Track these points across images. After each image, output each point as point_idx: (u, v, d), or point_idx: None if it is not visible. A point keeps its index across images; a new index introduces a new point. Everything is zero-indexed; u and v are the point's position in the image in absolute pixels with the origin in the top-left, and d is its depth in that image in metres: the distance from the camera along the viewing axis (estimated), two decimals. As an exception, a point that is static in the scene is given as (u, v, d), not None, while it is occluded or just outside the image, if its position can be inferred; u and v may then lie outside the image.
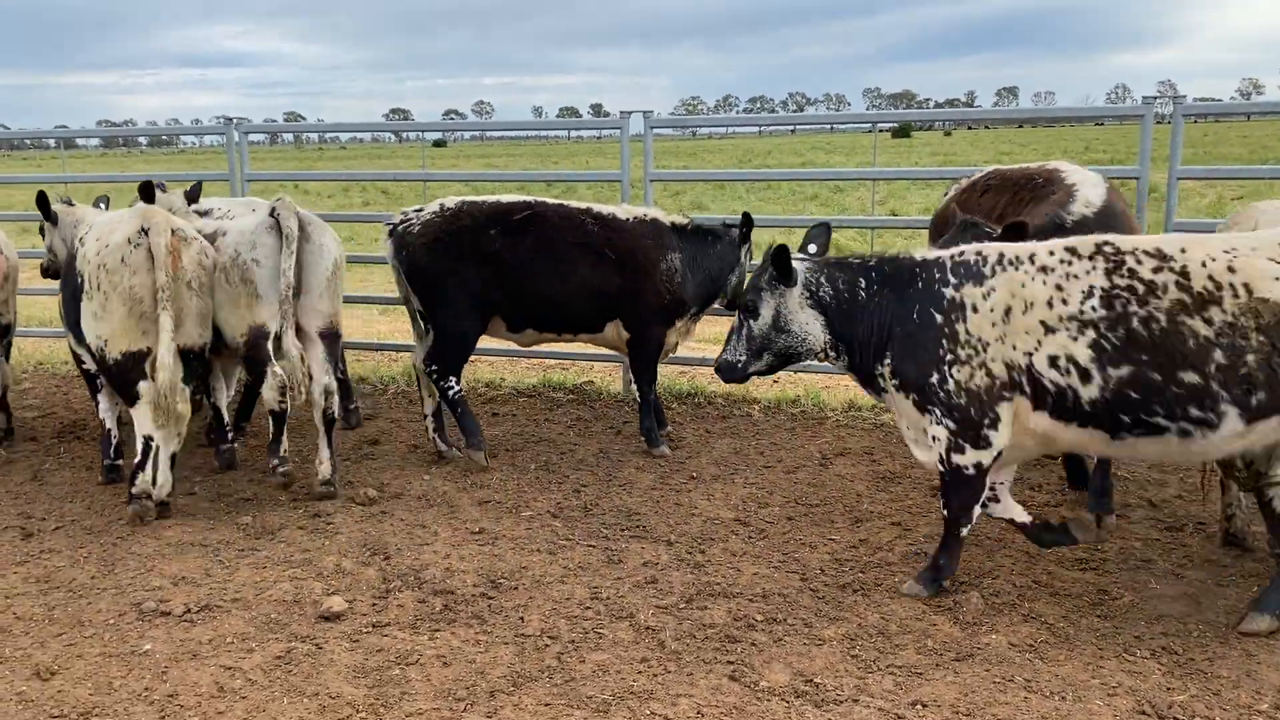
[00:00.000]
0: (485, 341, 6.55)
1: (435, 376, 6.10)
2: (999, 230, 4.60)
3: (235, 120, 7.97)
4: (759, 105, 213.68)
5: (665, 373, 7.94)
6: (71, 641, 4.15)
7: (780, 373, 7.88)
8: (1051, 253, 4.05)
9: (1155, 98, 6.14)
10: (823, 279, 4.43)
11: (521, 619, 4.24)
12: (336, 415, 5.71)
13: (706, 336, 9.88)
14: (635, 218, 6.20)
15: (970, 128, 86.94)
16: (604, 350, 6.86)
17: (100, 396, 6.03)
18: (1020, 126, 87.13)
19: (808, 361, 4.64)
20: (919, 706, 3.56)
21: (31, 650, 4.08)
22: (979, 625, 4.10)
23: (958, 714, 3.50)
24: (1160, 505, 5.34)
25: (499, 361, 8.79)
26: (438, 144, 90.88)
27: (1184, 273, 3.80)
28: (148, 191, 5.89)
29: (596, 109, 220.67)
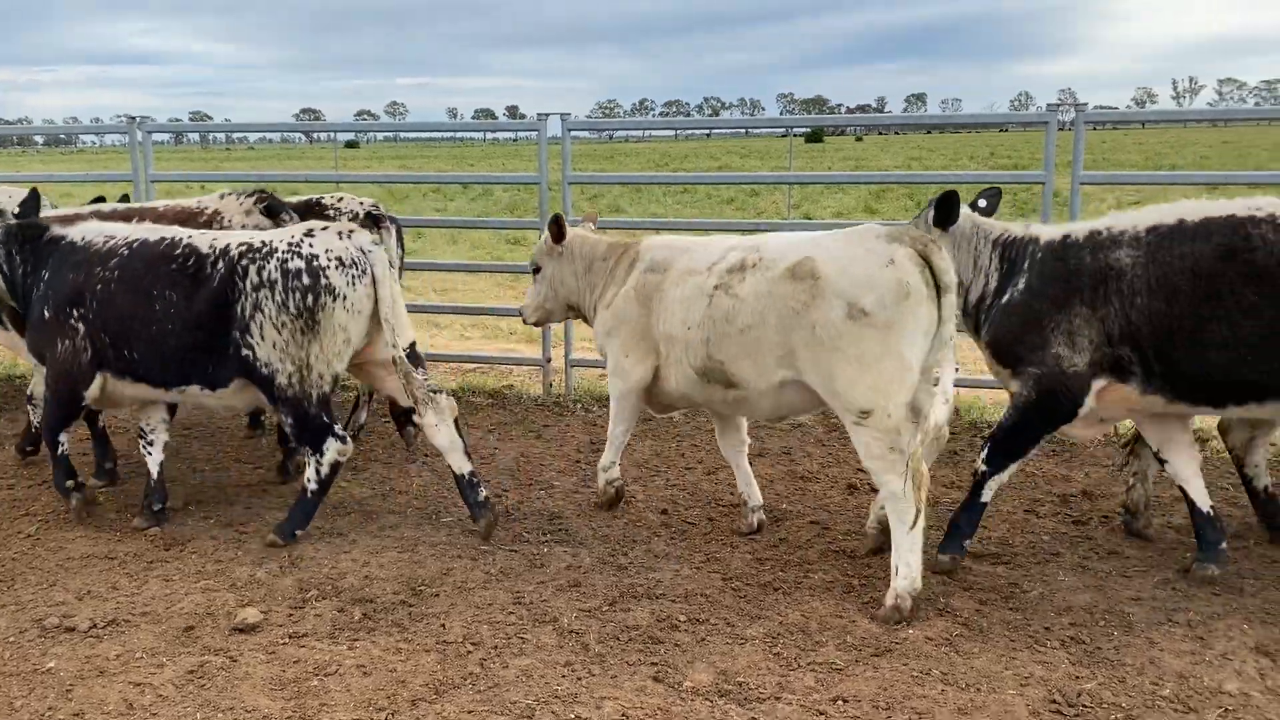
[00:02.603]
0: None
1: None
2: None
3: (138, 119, 7.72)
4: (675, 109, 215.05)
5: (587, 375, 7.95)
6: (-32, 662, 3.97)
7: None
8: None
9: (1059, 105, 6.36)
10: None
11: (443, 626, 4.19)
12: None
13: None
14: None
15: (881, 133, 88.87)
16: (526, 354, 6.84)
17: None
18: (929, 132, 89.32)
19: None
20: (840, 702, 3.62)
21: (-76, 672, 3.90)
22: (897, 622, 4.18)
23: (877, 708, 3.57)
24: (1068, 500, 5.52)
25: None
26: (350, 145, 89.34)
27: None
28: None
29: (512, 111, 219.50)
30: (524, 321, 5.84)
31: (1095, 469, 6.00)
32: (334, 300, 4.82)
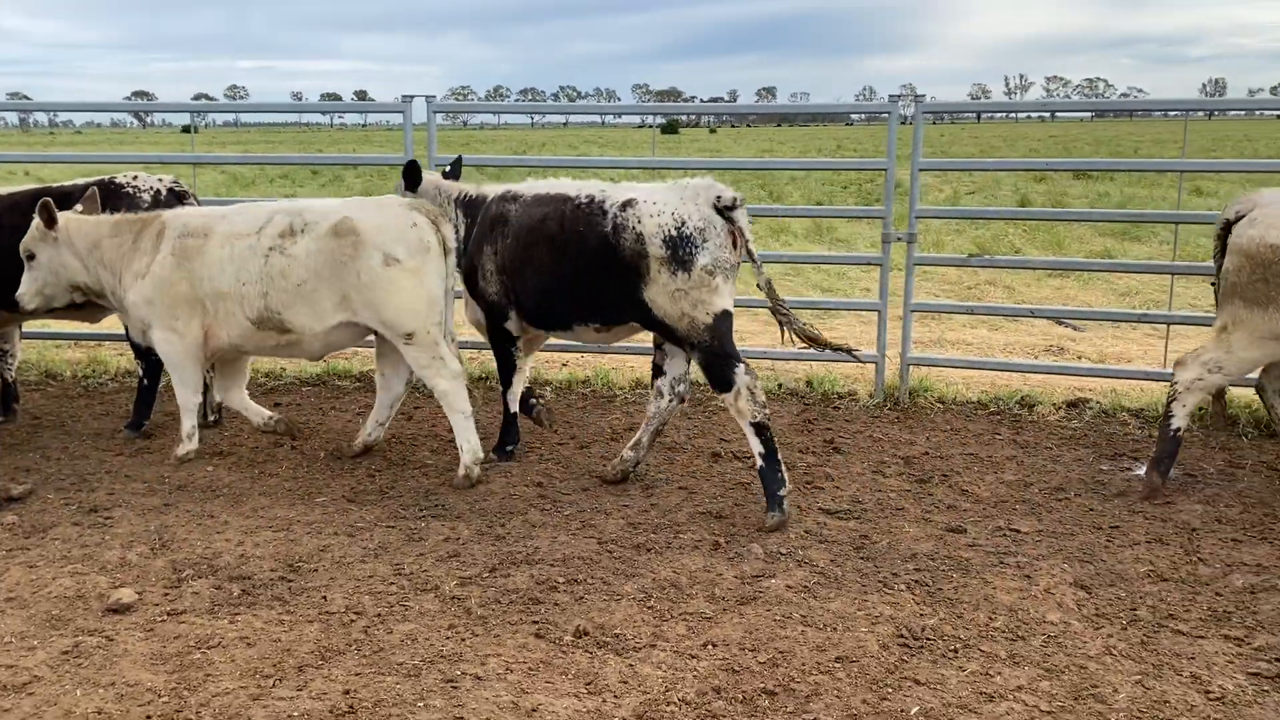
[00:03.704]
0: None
1: None
2: None
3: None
4: (530, 97, 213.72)
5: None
6: None
7: (570, 355, 8.16)
8: None
9: (900, 97, 6.81)
10: None
11: (324, 598, 4.26)
12: None
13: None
14: None
15: (733, 125, 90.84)
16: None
17: None
18: (779, 125, 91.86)
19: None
20: (710, 646, 3.88)
21: None
22: (760, 574, 4.49)
23: (744, 649, 3.86)
24: (911, 461, 5.96)
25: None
26: (186, 129, 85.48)
27: None
28: None
29: (361, 95, 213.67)
30: (24, 309, 5.91)
31: (935, 433, 6.49)
32: None
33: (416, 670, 3.71)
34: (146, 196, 6.23)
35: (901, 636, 3.95)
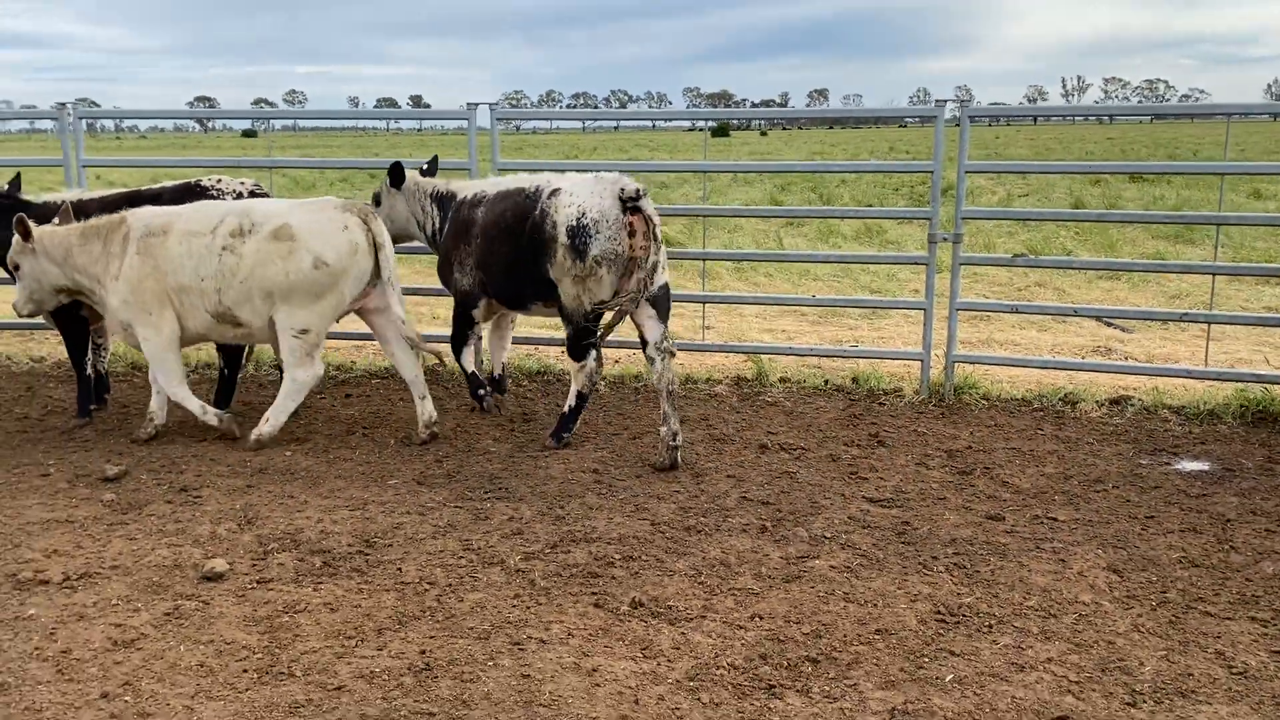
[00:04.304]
0: (334, 326, 6.83)
1: None
2: None
3: (70, 105, 7.85)
4: (581, 101, 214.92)
5: (516, 351, 8.36)
6: (-51, 612, 4.23)
7: (624, 352, 8.46)
8: None
9: (946, 101, 7.01)
10: None
11: (399, 570, 4.60)
12: None
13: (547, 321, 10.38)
14: None
15: (784, 127, 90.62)
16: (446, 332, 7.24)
17: None
18: (830, 127, 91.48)
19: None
20: (756, 618, 4.15)
21: (-93, 622, 4.15)
22: (805, 555, 4.75)
23: (789, 622, 4.12)
24: (954, 454, 6.17)
25: (345, 346, 8.96)
26: (247, 134, 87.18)
27: None
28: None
29: (416, 100, 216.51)
30: (20, 314, 6.45)
31: (978, 428, 6.68)
32: None
33: (486, 634, 4.03)
34: (230, 199, 6.64)
35: (939, 613, 4.19)
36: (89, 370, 6.89)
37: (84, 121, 8.05)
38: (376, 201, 6.95)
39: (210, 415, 6.37)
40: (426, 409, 6.43)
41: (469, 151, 7.83)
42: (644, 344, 6.10)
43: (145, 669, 3.79)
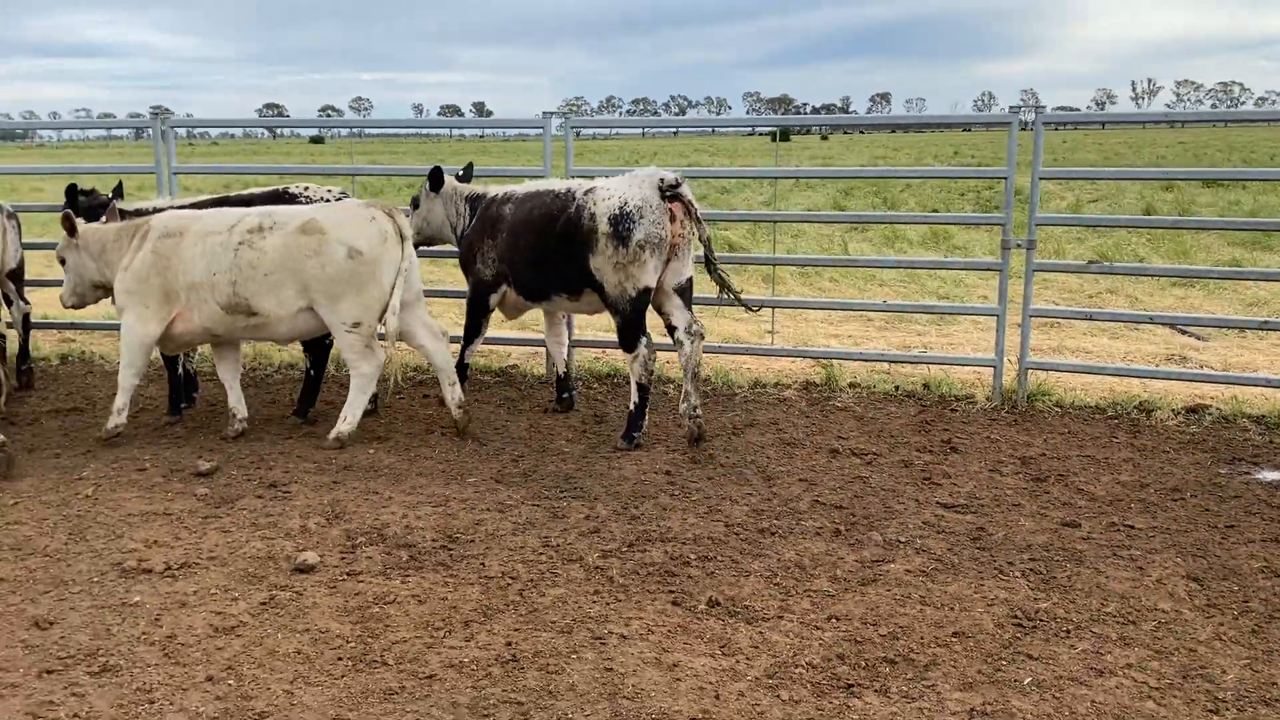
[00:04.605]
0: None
1: None
2: None
3: (161, 114, 8.17)
4: (641, 106, 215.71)
5: (585, 354, 8.51)
6: (61, 597, 4.46)
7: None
8: None
9: (1020, 107, 7.00)
10: None
11: (483, 564, 4.74)
12: None
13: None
14: None
15: (846, 132, 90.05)
16: (526, 334, 7.42)
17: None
18: (893, 131, 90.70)
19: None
20: (833, 620, 4.21)
21: (24, 605, 4.38)
22: (879, 559, 4.80)
23: (866, 624, 4.17)
24: (1027, 461, 6.16)
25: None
26: (315, 140, 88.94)
27: None
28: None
29: (479, 108, 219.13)
30: (64, 306, 6.90)
31: (1052, 435, 6.65)
32: None
33: (568, 628, 4.14)
34: None
35: (1015, 617, 4.21)
36: (179, 369, 7.17)
37: (175, 130, 8.35)
38: (415, 205, 7.30)
39: (118, 416, 6.55)
40: (456, 393, 6.72)
41: (543, 158, 7.98)
42: (673, 330, 6.48)
43: (246, 655, 3.97)
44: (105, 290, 6.71)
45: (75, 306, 6.91)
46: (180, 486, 5.79)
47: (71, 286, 6.72)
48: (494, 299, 7.00)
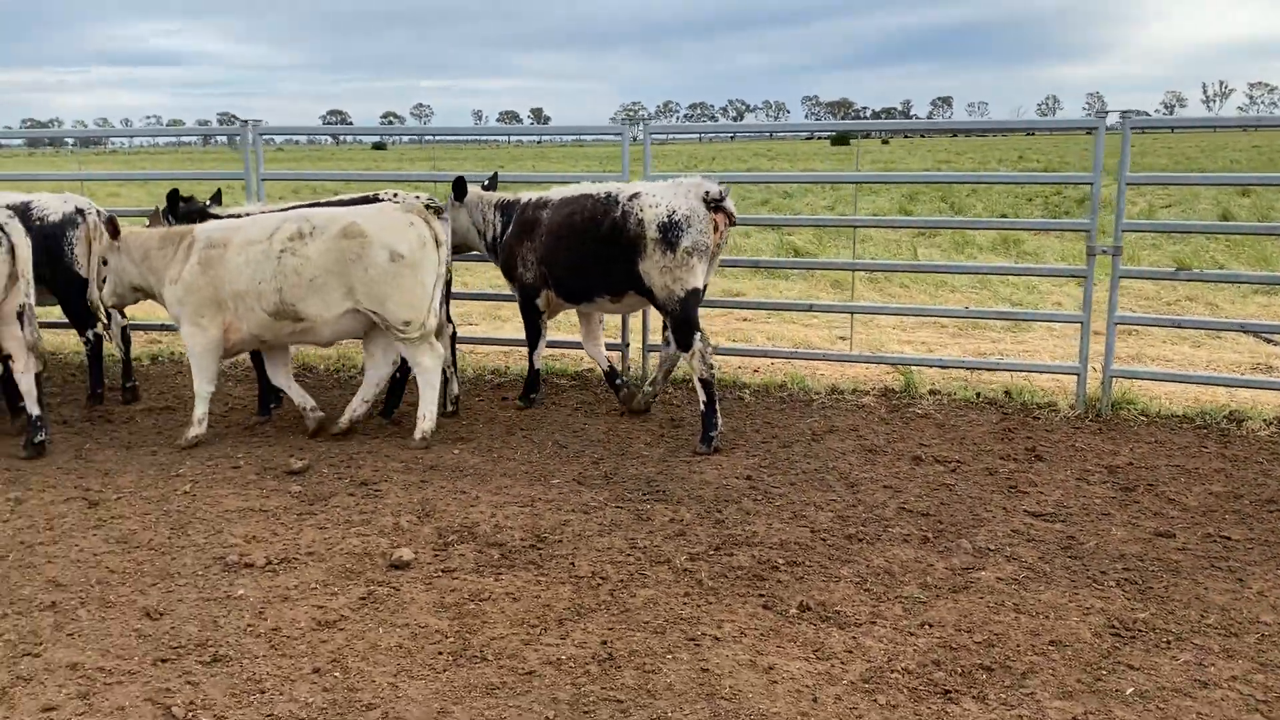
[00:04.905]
0: (488, 331, 7.16)
1: None
2: None
3: (251, 122, 8.41)
4: (699, 111, 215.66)
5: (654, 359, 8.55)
6: (169, 589, 4.62)
7: (762, 360, 8.57)
8: None
9: (1108, 112, 6.92)
10: None
11: (572, 564, 4.81)
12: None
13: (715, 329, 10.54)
14: None
15: (906, 136, 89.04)
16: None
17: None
18: (954, 135, 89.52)
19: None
20: (926, 626, 4.21)
21: (134, 596, 4.55)
22: (969, 567, 4.77)
23: (959, 630, 4.16)
24: (1115, 470, 6.08)
25: (494, 352, 9.30)
26: (377, 146, 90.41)
27: None
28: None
29: (537, 114, 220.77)
30: (105, 305, 7.12)
31: (1139, 444, 6.55)
32: None
33: (661, 629, 4.19)
34: None
35: (1113, 627, 4.17)
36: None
37: (264, 137, 8.58)
38: (438, 213, 7.32)
39: (198, 426, 6.73)
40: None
41: (622, 164, 8.06)
42: (665, 328, 6.98)
43: (349, 648, 4.08)
44: (144, 293, 6.97)
45: (115, 306, 7.19)
46: (274, 484, 5.95)
47: (111, 287, 6.94)
48: (540, 301, 7.24)
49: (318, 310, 6.44)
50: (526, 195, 7.27)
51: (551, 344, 9.03)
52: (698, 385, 6.59)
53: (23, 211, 7.61)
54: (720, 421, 6.58)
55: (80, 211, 7.46)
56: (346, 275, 6.35)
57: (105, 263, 6.93)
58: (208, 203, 7.43)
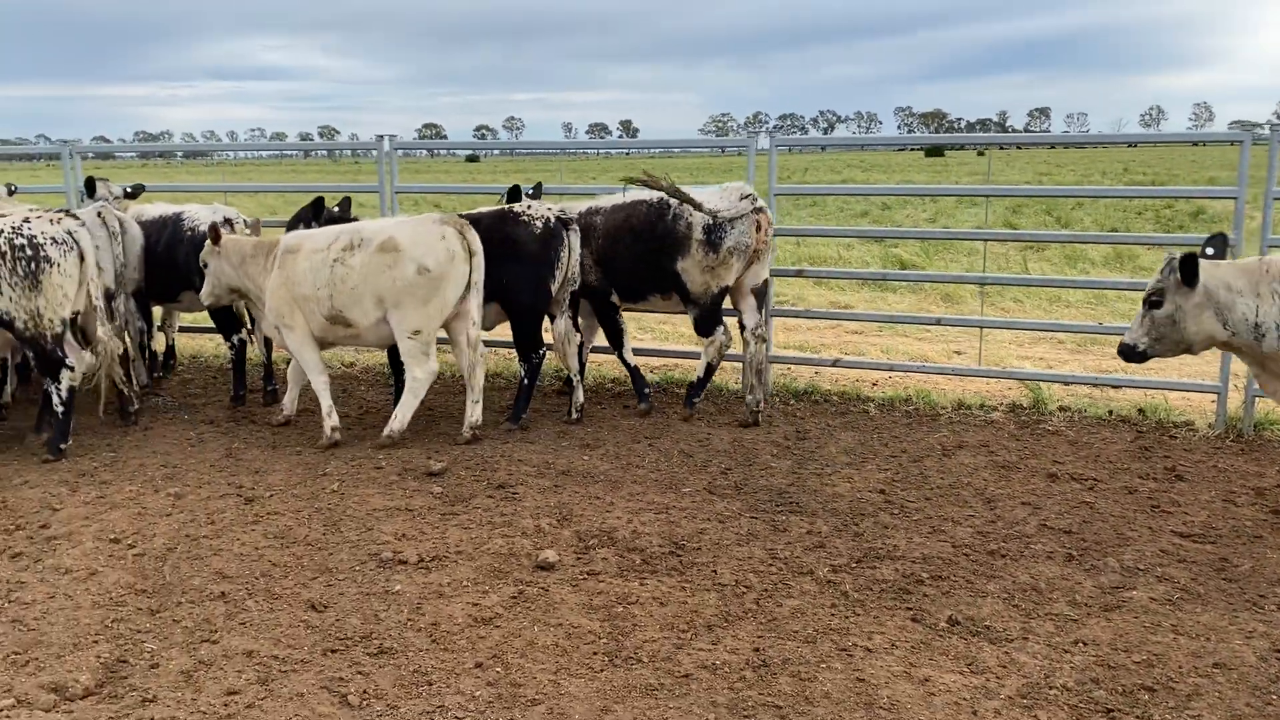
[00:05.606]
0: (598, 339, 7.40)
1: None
2: None
3: (386, 137, 8.71)
4: (789, 122, 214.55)
5: (780, 371, 8.59)
6: (329, 583, 4.82)
7: (885, 373, 8.54)
8: None
9: (1255, 125, 6.73)
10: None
11: (714, 572, 4.87)
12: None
13: (825, 342, 10.56)
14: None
15: (1003, 147, 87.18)
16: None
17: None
18: (1052, 147, 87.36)
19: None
20: (1080, 644, 4.16)
21: (298, 589, 4.76)
22: (1119, 586, 4.70)
23: (1116, 649, 4.11)
24: (1263, 493, 5.90)
25: (609, 360, 9.40)
26: (470, 159, 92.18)
27: None
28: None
29: (626, 126, 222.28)
30: (203, 304, 7.64)
31: (1285, 467, 6.35)
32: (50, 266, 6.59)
33: (811, 638, 4.23)
34: (539, 224, 7.18)
35: (1278, 651, 4.07)
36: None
37: (399, 151, 8.87)
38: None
39: (329, 418, 7.03)
40: (475, 413, 7.06)
41: (747, 173, 8.14)
42: (742, 329, 7.43)
43: (507, 645, 4.21)
44: (239, 295, 7.48)
45: (212, 306, 7.68)
46: (415, 485, 6.15)
47: (210, 288, 7.40)
48: (615, 297, 7.68)
49: (359, 317, 6.83)
50: (575, 204, 7.65)
51: (665, 354, 9.17)
52: (702, 364, 7.50)
53: (175, 222, 8.02)
54: (700, 397, 7.66)
55: (229, 221, 7.82)
56: (379, 286, 6.73)
57: (206, 265, 7.37)
58: (336, 210, 7.77)
